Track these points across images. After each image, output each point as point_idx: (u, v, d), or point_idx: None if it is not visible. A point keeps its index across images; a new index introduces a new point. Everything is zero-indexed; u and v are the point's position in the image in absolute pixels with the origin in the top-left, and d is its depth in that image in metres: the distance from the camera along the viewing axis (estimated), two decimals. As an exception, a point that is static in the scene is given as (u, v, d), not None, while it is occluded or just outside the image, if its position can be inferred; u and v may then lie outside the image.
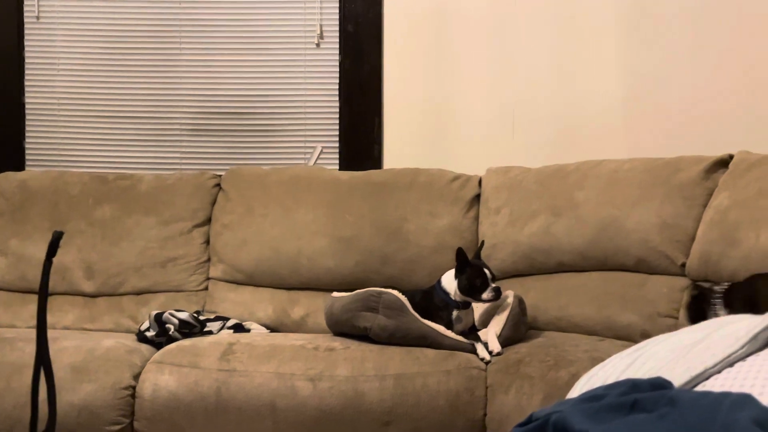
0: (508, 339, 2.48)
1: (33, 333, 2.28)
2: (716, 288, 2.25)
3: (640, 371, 1.00)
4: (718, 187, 2.60)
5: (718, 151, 2.71)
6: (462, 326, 2.52)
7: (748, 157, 2.62)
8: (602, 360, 2.25)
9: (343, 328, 2.58)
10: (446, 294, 2.52)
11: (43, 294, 1.79)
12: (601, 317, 2.65)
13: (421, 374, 2.35)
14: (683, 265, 2.59)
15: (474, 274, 2.48)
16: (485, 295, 2.49)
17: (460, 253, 2.51)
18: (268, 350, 2.45)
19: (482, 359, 2.40)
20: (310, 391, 2.35)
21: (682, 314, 2.42)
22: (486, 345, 2.44)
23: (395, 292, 2.49)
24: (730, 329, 0.91)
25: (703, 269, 2.51)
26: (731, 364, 0.85)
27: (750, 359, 0.83)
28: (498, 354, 2.41)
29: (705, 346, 0.87)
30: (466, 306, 2.52)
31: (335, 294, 2.67)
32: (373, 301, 2.47)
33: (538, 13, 3.24)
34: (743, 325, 0.90)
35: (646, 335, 2.54)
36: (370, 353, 2.41)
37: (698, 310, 2.27)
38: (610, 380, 1.08)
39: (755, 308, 1.81)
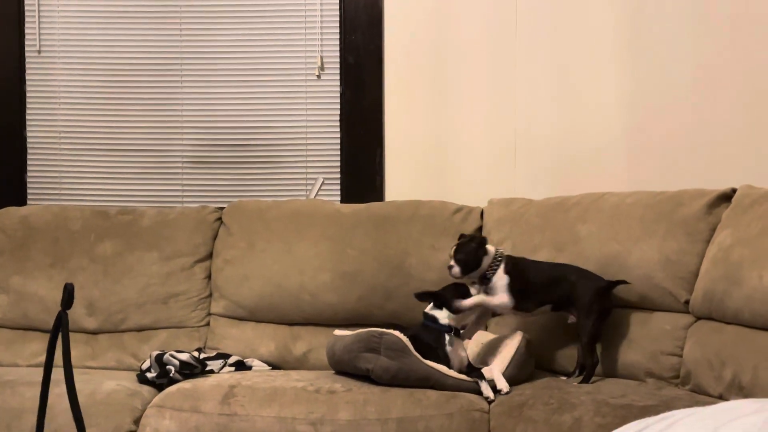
0: (512, 378, 2.47)
1: (34, 374, 2.29)
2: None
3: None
4: (721, 223, 2.58)
5: (721, 184, 2.69)
6: (458, 360, 2.49)
7: (751, 192, 2.60)
8: (605, 403, 2.25)
9: (345, 368, 2.57)
10: (434, 320, 2.51)
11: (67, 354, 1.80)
12: (604, 355, 2.63)
13: (423, 418, 2.33)
14: (687, 302, 2.57)
15: (451, 286, 2.56)
16: (473, 291, 2.53)
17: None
18: (270, 393, 2.44)
19: (486, 398, 2.38)
20: (311, 436, 2.34)
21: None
22: (491, 382, 2.42)
23: (397, 333, 2.47)
24: (733, 428, 0.89)
25: (707, 307, 2.49)
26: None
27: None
28: (506, 393, 2.39)
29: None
30: (456, 333, 2.52)
31: (337, 332, 2.66)
32: (374, 342, 2.46)
33: (538, 44, 3.24)
34: (748, 425, 0.88)
35: (650, 374, 2.54)
36: (372, 396, 2.40)
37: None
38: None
39: None
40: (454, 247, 2.58)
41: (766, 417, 0.86)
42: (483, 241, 2.60)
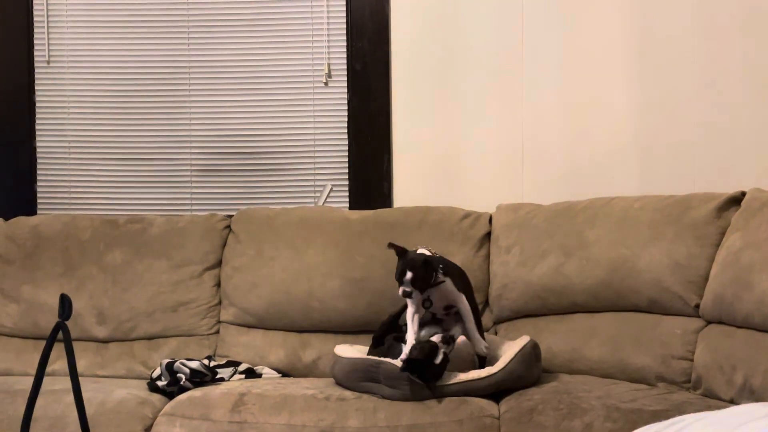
0: (514, 373, 2.45)
1: (45, 384, 2.29)
2: None
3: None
4: (731, 227, 2.58)
5: (730, 188, 2.69)
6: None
7: (760, 196, 2.59)
8: (615, 408, 2.24)
9: (348, 388, 2.55)
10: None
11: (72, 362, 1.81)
12: (614, 360, 2.63)
13: (433, 425, 2.33)
14: (697, 306, 2.57)
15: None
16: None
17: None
18: (279, 400, 2.44)
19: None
20: (321, 443, 2.34)
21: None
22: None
23: (394, 362, 2.46)
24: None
25: (717, 311, 2.48)
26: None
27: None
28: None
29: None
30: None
31: (338, 350, 2.65)
32: (372, 371, 2.47)
33: (546, 49, 3.23)
34: (758, 430, 0.88)
35: (660, 378, 2.54)
36: (382, 403, 2.40)
37: None
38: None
39: None
40: (410, 274, 2.47)
41: None
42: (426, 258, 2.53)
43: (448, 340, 2.46)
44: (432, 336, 2.49)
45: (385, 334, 2.74)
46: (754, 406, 1.03)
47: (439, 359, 2.40)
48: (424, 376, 2.40)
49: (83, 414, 1.80)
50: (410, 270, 2.48)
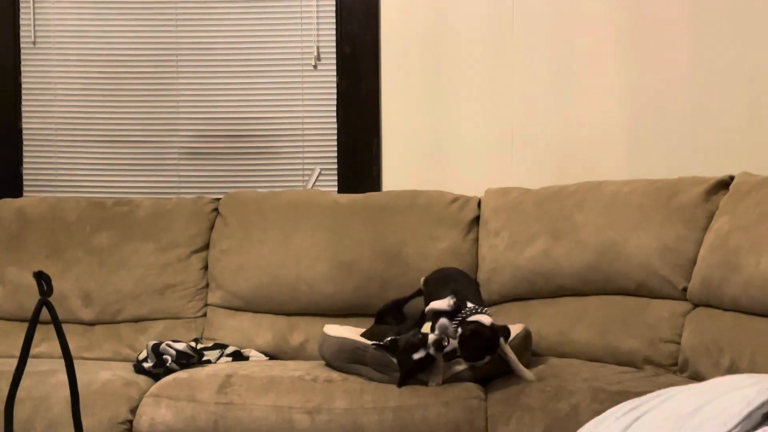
0: (502, 364, 2.42)
1: (30, 365, 2.27)
2: None
3: (634, 441, 0.98)
4: (719, 210, 2.58)
5: (719, 172, 2.69)
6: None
7: (748, 179, 2.59)
8: (602, 390, 2.24)
9: (336, 368, 2.54)
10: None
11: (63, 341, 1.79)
12: (602, 343, 2.63)
13: (420, 406, 2.32)
14: (684, 289, 2.57)
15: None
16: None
17: None
18: (266, 382, 2.43)
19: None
20: (308, 425, 2.33)
21: None
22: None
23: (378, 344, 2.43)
24: (725, 401, 0.89)
25: (705, 294, 2.48)
26: (723, 446, 0.83)
27: (744, 442, 0.81)
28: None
29: (698, 423, 0.85)
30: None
31: (327, 329, 2.64)
32: (360, 354, 2.46)
33: (537, 33, 3.22)
34: (738, 398, 0.88)
35: (648, 361, 2.54)
36: (369, 385, 2.39)
37: None
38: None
39: None
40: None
41: (760, 389, 0.85)
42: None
43: (439, 347, 2.32)
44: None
45: (386, 314, 2.71)
46: (738, 377, 1.03)
47: (418, 355, 2.32)
48: (399, 364, 2.35)
49: (74, 385, 1.78)
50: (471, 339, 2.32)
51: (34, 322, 1.78)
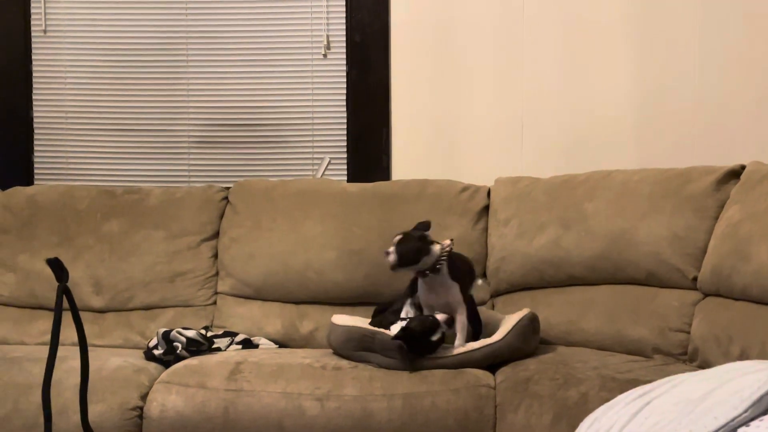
0: (511, 345, 2.46)
1: (41, 351, 2.30)
2: None
3: (644, 426, 0.98)
4: (730, 199, 2.57)
5: (730, 161, 2.68)
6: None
7: (760, 168, 2.58)
8: (611, 378, 2.24)
9: (345, 357, 2.55)
10: None
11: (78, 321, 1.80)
12: (611, 331, 2.63)
13: (429, 393, 2.33)
14: (695, 278, 2.56)
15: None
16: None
17: None
18: (276, 369, 2.44)
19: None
20: (317, 411, 2.34)
21: None
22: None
23: (387, 332, 2.45)
24: (735, 386, 0.89)
25: (715, 283, 2.48)
26: (734, 429, 0.83)
27: (754, 425, 0.81)
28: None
29: (708, 407, 0.85)
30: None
31: (335, 318, 2.64)
32: (368, 341, 2.46)
33: (547, 23, 3.21)
34: (748, 383, 0.88)
35: (657, 350, 2.53)
36: (378, 372, 2.40)
37: None
38: (614, 430, 1.06)
39: None
40: (399, 237, 2.48)
41: (753, 380, 0.85)
42: (425, 240, 2.50)
43: (450, 323, 2.43)
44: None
45: (387, 308, 2.73)
46: (748, 362, 1.03)
47: (436, 336, 2.39)
48: (416, 349, 2.38)
49: (86, 370, 1.79)
50: (401, 235, 2.47)
51: (59, 307, 1.79)
